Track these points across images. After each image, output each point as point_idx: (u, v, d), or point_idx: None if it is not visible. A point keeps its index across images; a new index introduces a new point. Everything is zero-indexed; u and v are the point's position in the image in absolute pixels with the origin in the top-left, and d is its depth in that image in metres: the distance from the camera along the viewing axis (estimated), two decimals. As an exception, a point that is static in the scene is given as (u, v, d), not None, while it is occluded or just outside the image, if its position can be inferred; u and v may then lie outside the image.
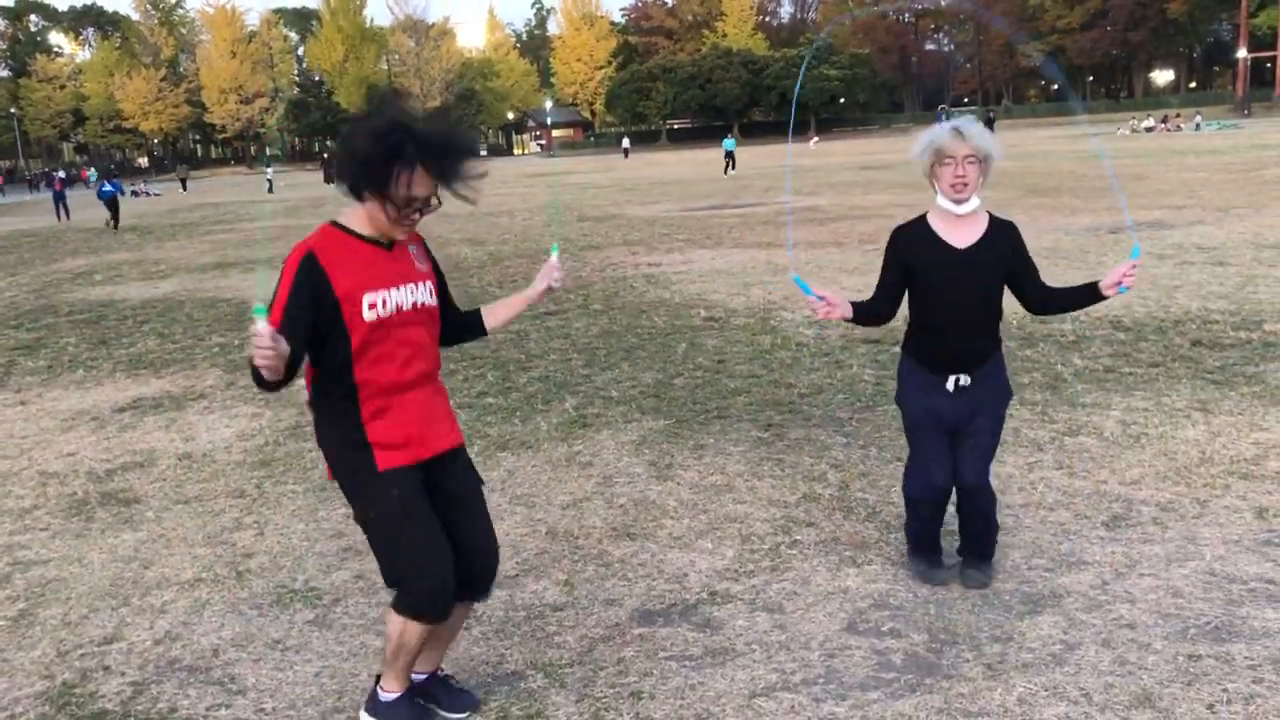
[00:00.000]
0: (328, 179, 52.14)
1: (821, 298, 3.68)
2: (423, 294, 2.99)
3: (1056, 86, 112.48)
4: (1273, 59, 76.94)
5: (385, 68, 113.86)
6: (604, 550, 4.44)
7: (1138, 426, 5.61)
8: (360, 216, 2.91)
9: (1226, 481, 4.77)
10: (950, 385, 3.72)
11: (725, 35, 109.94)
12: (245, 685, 3.50)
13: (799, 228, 17.30)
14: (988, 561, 3.95)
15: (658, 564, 4.27)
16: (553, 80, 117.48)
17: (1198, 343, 7.39)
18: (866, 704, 3.17)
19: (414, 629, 3.01)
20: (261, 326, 2.50)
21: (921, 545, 4.00)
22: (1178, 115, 59.51)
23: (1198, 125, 54.22)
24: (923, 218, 3.79)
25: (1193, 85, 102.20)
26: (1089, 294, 3.70)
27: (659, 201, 26.13)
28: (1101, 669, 3.26)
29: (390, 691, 3.16)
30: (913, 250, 3.74)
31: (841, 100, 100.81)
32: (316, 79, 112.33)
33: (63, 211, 34.22)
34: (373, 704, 3.19)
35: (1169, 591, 3.75)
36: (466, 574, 3.06)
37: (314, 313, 2.79)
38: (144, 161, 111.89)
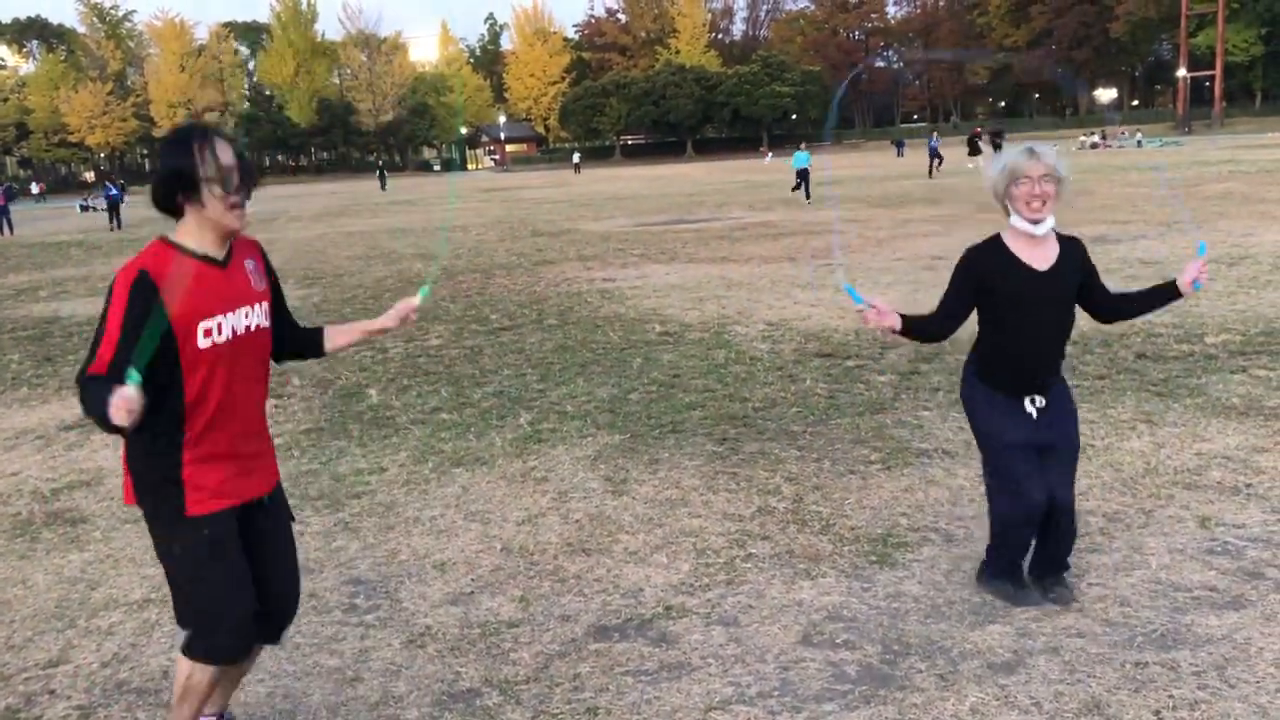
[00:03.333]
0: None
1: (871, 305, 3.59)
2: (257, 316, 2.88)
3: (1004, 104, 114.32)
4: (1211, 78, 78.81)
5: (337, 82, 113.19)
6: (559, 566, 4.43)
7: (1084, 438, 5.68)
8: (189, 230, 2.78)
9: (1171, 492, 4.86)
10: (1029, 407, 3.71)
11: (678, 52, 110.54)
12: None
13: (751, 243, 17.42)
14: (1066, 570, 3.92)
15: (613, 579, 4.27)
16: (506, 95, 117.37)
17: (1142, 355, 7.54)
18: (821, 716, 3.19)
19: (203, 672, 2.91)
20: (133, 393, 2.44)
21: (1007, 572, 3.90)
22: (1120, 129, 60.68)
23: (1139, 142, 55.20)
24: (997, 239, 3.72)
25: (1135, 103, 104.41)
26: (1165, 294, 3.72)
27: (613, 216, 26.18)
28: (1051, 677, 3.31)
29: None
30: (991, 273, 3.66)
31: (794, 116, 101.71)
32: (267, 93, 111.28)
33: (6, 226, 33.60)
34: None
35: (1116, 600, 3.81)
36: (265, 614, 2.97)
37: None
38: (90, 176, 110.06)
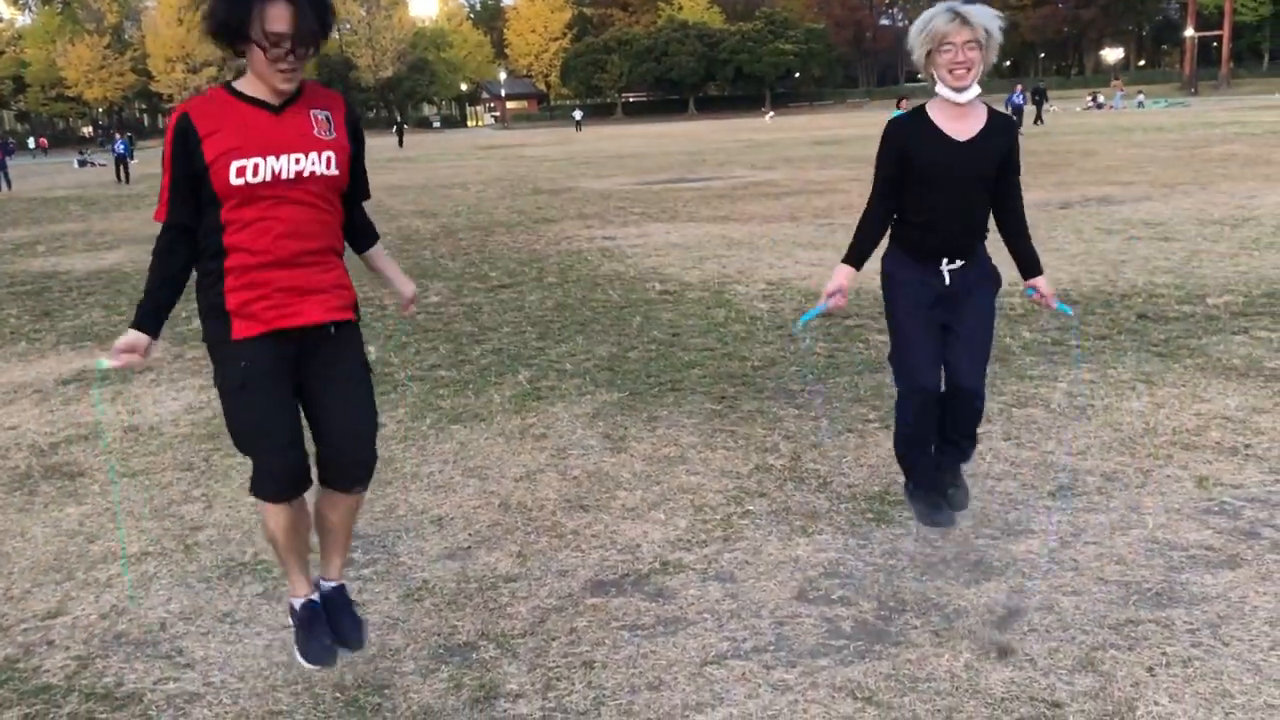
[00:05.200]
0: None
1: (828, 299, 3.59)
2: (314, 163, 2.84)
3: (1009, 62, 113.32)
4: (1219, 38, 78.05)
5: (336, 36, 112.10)
6: (557, 522, 4.44)
7: (1084, 398, 5.70)
8: (249, 77, 2.83)
9: (1169, 452, 4.86)
10: (943, 267, 3.67)
11: (681, 8, 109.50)
12: (193, 658, 3.46)
13: (754, 201, 17.33)
14: (964, 461, 3.99)
15: (611, 535, 4.27)
16: (507, 51, 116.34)
17: (1143, 316, 7.52)
18: (816, 670, 3.20)
19: (270, 512, 3.00)
20: (107, 363, 2.78)
21: (916, 469, 3.94)
22: (1115, 87, 59.26)
23: (1140, 103, 54.24)
24: (921, 109, 3.67)
25: (1141, 63, 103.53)
26: (1028, 264, 3.82)
27: (614, 175, 26.04)
28: (1045, 634, 3.32)
29: (295, 595, 3.22)
30: (910, 140, 3.62)
31: (797, 75, 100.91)
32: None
33: (4, 182, 33.43)
34: (290, 606, 3.27)
35: (1112, 559, 3.82)
36: (329, 460, 3.02)
37: (192, 173, 2.79)
38: (89, 131, 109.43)
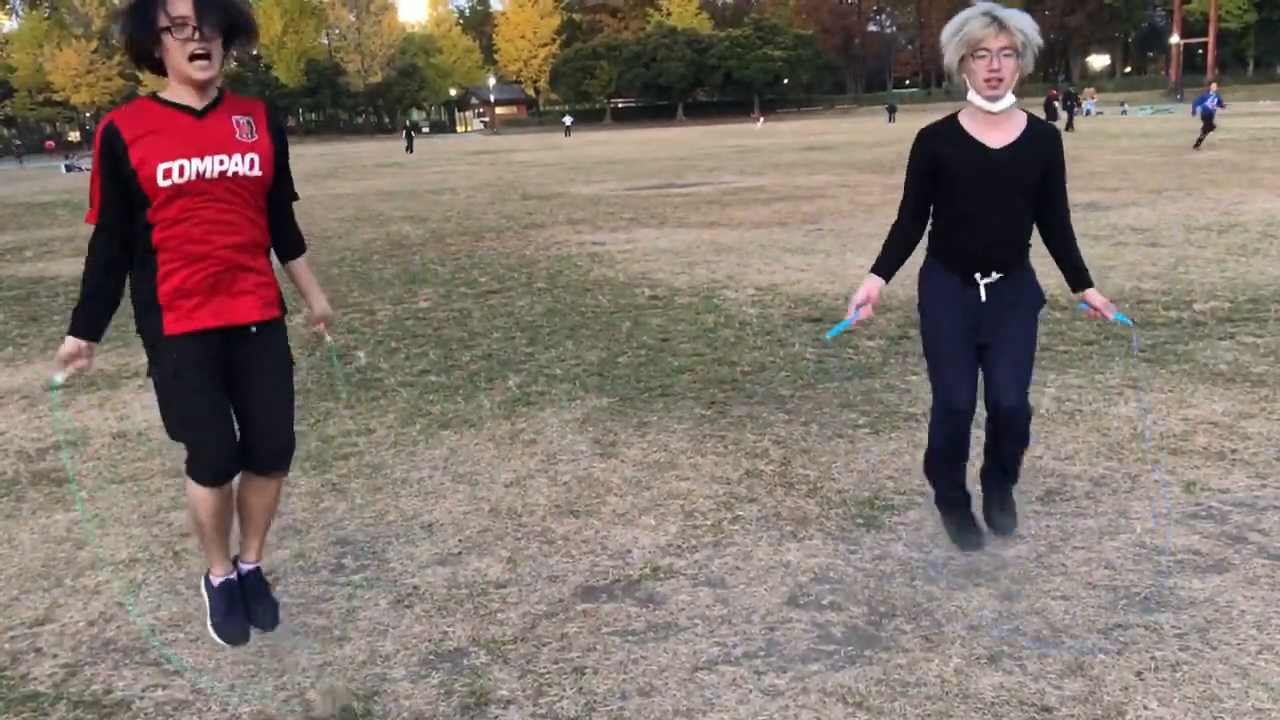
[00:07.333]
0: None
1: (858, 308, 3.52)
2: (237, 164, 3.01)
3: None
4: (1204, 45, 78.50)
5: (325, 42, 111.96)
6: (547, 527, 4.43)
7: (1072, 403, 5.72)
8: (171, 84, 2.99)
9: (1156, 456, 4.88)
10: (979, 281, 3.53)
11: (669, 14, 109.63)
12: (183, 665, 3.45)
13: (743, 207, 17.36)
14: (1012, 487, 3.90)
15: (601, 540, 4.27)
16: (496, 57, 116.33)
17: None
18: (807, 675, 3.20)
19: (198, 494, 3.17)
20: (59, 379, 3.01)
21: (948, 491, 3.89)
22: (1086, 93, 59.00)
23: (1124, 110, 54.42)
24: (953, 117, 3.53)
25: (1128, 70, 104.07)
26: (1076, 277, 3.68)
27: (603, 180, 26.06)
28: (1035, 639, 3.33)
29: (215, 575, 3.37)
30: (941, 149, 3.48)
31: (785, 80, 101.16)
32: (254, 54, 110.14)
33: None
34: (206, 580, 3.40)
35: (1101, 563, 3.84)
36: (251, 447, 3.23)
37: (120, 177, 2.94)
38: (75, 136, 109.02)
